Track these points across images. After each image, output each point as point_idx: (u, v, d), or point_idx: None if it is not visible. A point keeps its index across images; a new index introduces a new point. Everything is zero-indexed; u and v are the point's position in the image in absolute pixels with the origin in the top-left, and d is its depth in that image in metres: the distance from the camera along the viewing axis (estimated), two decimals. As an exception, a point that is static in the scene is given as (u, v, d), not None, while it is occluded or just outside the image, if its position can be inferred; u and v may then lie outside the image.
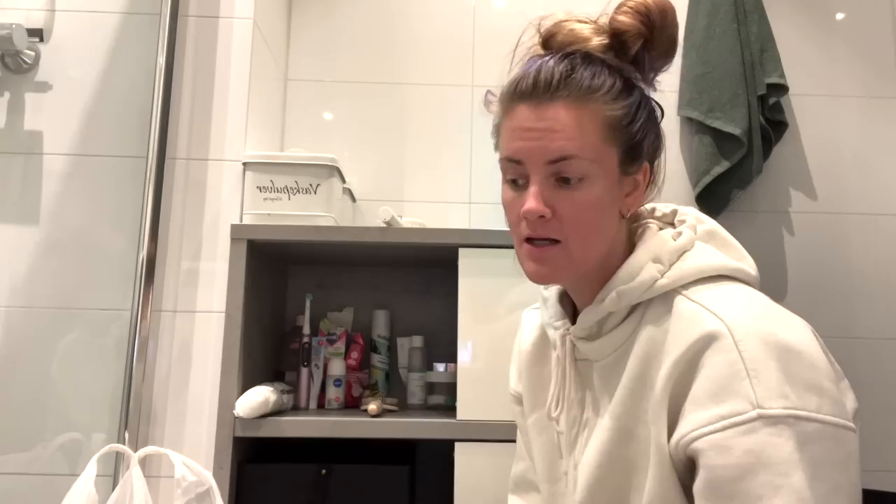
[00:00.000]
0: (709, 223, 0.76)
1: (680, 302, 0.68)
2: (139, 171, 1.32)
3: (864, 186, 1.80)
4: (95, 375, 1.32)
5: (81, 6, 1.43)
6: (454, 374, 1.37)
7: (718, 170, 1.67)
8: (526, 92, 0.70)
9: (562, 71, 0.69)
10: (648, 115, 0.74)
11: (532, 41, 0.76)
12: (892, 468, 1.65)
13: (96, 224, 1.37)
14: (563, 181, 0.69)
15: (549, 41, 0.75)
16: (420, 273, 1.67)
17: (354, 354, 1.58)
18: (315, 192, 1.38)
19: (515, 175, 0.72)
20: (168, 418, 1.30)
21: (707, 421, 0.60)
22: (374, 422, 1.30)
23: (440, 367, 1.50)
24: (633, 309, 0.72)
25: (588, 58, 0.71)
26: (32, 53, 1.41)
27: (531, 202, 0.69)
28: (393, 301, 1.67)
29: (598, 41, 0.72)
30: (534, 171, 0.70)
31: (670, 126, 1.80)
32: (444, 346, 1.53)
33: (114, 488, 1.18)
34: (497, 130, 0.76)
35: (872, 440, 1.67)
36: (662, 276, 0.70)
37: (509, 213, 0.74)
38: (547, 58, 0.72)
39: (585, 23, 0.74)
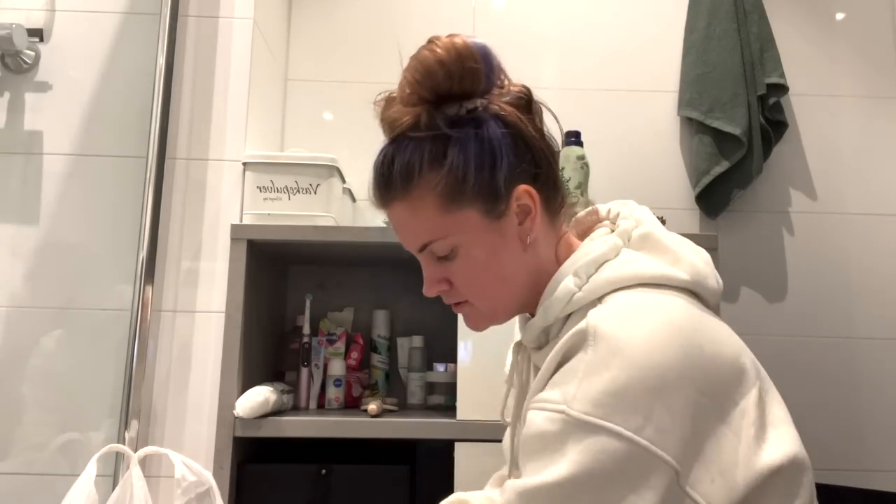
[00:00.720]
0: (646, 226, 0.73)
1: (592, 312, 0.66)
2: (139, 171, 1.32)
3: (864, 186, 1.80)
4: (95, 375, 1.32)
5: (81, 6, 1.43)
6: (454, 374, 1.37)
7: (718, 170, 1.67)
8: (374, 201, 0.76)
9: (383, 174, 0.72)
10: (488, 150, 0.69)
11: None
12: (892, 468, 1.65)
13: (96, 224, 1.37)
14: (441, 259, 0.73)
15: (381, 125, 0.77)
16: (420, 273, 1.66)
17: (354, 354, 1.58)
18: (315, 192, 1.38)
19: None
20: (168, 418, 1.30)
21: (549, 399, 0.62)
22: (374, 422, 1.30)
23: (440, 367, 1.50)
24: (569, 318, 0.71)
25: (403, 140, 0.71)
26: (32, 53, 1.41)
27: (425, 286, 0.76)
28: (393, 301, 1.67)
29: (406, 121, 0.72)
30: (417, 256, 0.76)
31: (670, 126, 1.80)
32: (444, 346, 1.53)
33: (114, 488, 1.18)
34: None
35: (872, 440, 1.67)
36: (580, 289, 0.69)
37: None
38: (379, 156, 0.74)
39: (394, 104, 0.75)
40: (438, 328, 1.57)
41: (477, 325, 0.78)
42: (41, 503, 1.27)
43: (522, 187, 0.71)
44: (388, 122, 0.74)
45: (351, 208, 1.67)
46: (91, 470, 1.14)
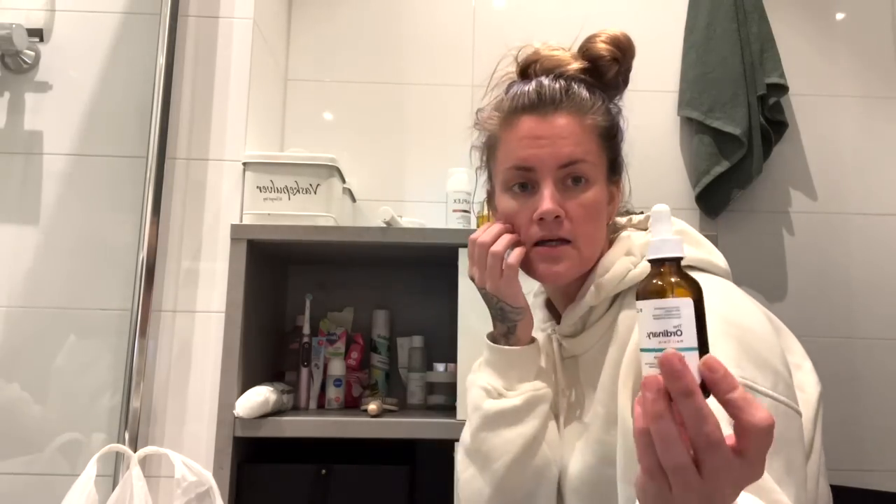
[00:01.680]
0: (679, 224, 0.81)
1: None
2: (139, 171, 1.32)
3: (864, 186, 1.80)
4: (95, 375, 1.32)
5: (81, 6, 1.43)
6: (454, 374, 1.37)
7: (718, 170, 1.67)
8: (530, 105, 0.76)
9: (561, 87, 0.76)
10: (622, 130, 0.81)
11: (506, 70, 0.82)
12: (892, 468, 1.65)
13: (96, 224, 1.37)
14: (571, 183, 0.75)
15: (528, 69, 0.80)
16: (420, 273, 1.67)
17: (354, 354, 1.58)
18: (315, 192, 1.38)
19: (524, 180, 0.76)
20: (168, 418, 1.30)
21: None
22: (374, 422, 1.30)
23: (440, 367, 1.50)
24: (613, 301, 0.77)
25: (577, 79, 0.78)
26: (32, 53, 1.41)
27: (548, 203, 0.73)
28: (393, 301, 1.67)
29: (577, 65, 0.78)
30: (545, 175, 0.74)
31: (670, 126, 1.80)
32: (444, 346, 1.53)
33: (114, 488, 1.18)
34: (492, 144, 0.80)
35: (873, 440, 1.67)
36: (635, 266, 0.75)
37: (516, 218, 0.77)
38: (539, 79, 0.77)
39: (561, 49, 0.80)
40: (438, 328, 1.57)
41: (568, 269, 0.75)
42: (41, 503, 1.27)
43: (619, 178, 0.81)
44: (555, 60, 0.79)
45: (351, 208, 1.67)
46: (91, 470, 1.14)
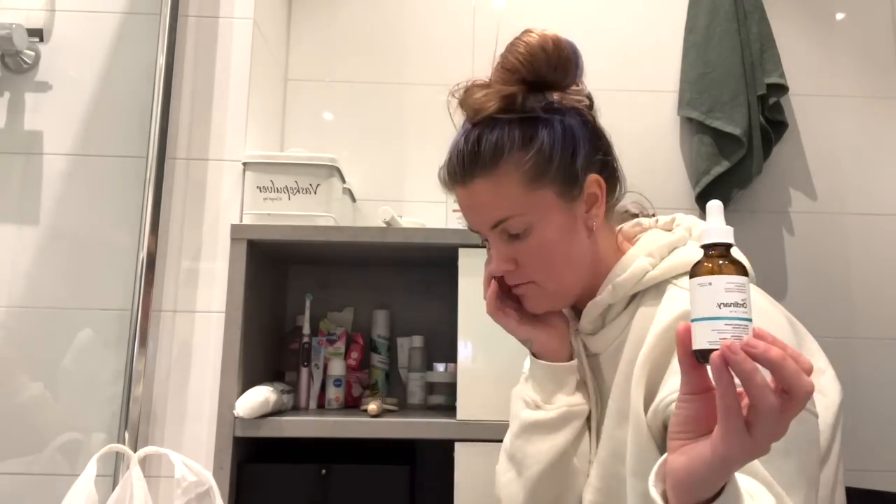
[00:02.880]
0: (703, 226, 0.80)
1: (670, 289, 0.74)
2: (139, 171, 1.32)
3: (864, 186, 1.80)
4: (95, 375, 1.32)
5: (81, 6, 1.43)
6: (454, 374, 1.37)
7: (718, 170, 1.67)
8: (452, 177, 0.79)
9: (470, 149, 0.76)
10: (569, 137, 0.76)
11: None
12: (892, 468, 1.65)
13: (96, 224, 1.37)
14: (512, 237, 0.76)
15: (464, 111, 0.80)
16: (420, 273, 1.67)
17: (354, 354, 1.58)
18: (315, 192, 1.38)
19: (481, 239, 0.81)
20: (168, 418, 1.30)
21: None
22: (374, 422, 1.30)
23: (440, 367, 1.50)
24: (632, 300, 0.78)
25: (491, 122, 0.76)
26: (32, 53, 1.41)
27: (493, 265, 0.78)
28: (393, 301, 1.67)
29: (492, 106, 0.76)
30: (487, 235, 0.78)
31: (670, 126, 1.80)
32: (444, 346, 1.53)
33: (114, 488, 1.18)
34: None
35: (872, 440, 1.67)
36: (654, 268, 0.75)
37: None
38: (460, 135, 0.78)
39: (484, 88, 0.78)
40: (438, 328, 1.57)
41: (539, 305, 0.80)
42: (41, 503, 1.27)
43: (593, 176, 0.77)
44: (472, 106, 0.77)
45: (351, 208, 1.67)
46: (91, 470, 1.14)
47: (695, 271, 0.52)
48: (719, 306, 0.49)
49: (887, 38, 1.86)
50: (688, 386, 0.51)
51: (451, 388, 1.41)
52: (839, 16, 1.87)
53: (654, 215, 0.87)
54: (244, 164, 1.39)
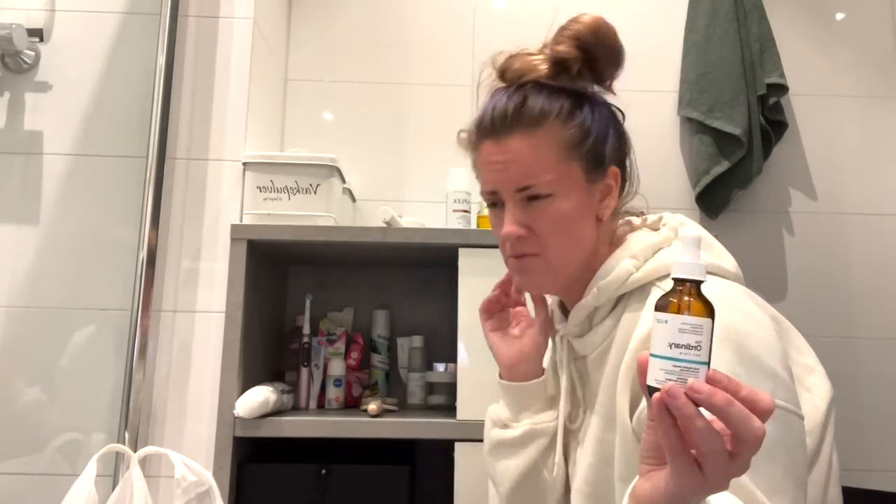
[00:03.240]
0: (690, 226, 0.81)
1: (654, 292, 0.73)
2: (139, 171, 1.32)
3: (864, 186, 1.80)
4: (95, 375, 1.32)
5: (81, 6, 1.43)
6: (454, 374, 1.37)
7: (718, 170, 1.67)
8: (486, 129, 0.77)
9: (514, 105, 0.75)
10: (605, 123, 0.78)
11: (492, 77, 0.82)
12: (892, 468, 1.65)
13: (96, 224, 1.37)
14: (532, 200, 0.75)
15: (504, 75, 0.80)
16: (420, 273, 1.67)
17: (354, 354, 1.58)
18: (315, 192, 1.38)
19: (493, 200, 0.79)
20: (168, 418, 1.30)
21: None
22: (374, 422, 1.30)
23: (440, 367, 1.50)
24: (618, 302, 0.77)
25: (538, 86, 0.77)
26: (32, 53, 1.41)
27: (507, 226, 0.76)
28: (393, 301, 1.67)
29: (544, 69, 0.77)
30: (507, 197, 0.77)
31: (670, 126, 1.80)
32: (444, 346, 1.53)
33: (114, 488, 1.18)
34: (474, 165, 0.83)
35: (872, 440, 1.67)
36: (637, 270, 0.75)
37: (496, 232, 0.80)
38: (501, 94, 0.78)
39: (533, 54, 0.79)
40: (438, 328, 1.58)
41: (538, 279, 0.79)
42: (41, 503, 1.27)
43: (614, 168, 0.79)
44: (521, 68, 0.78)
45: (351, 208, 1.67)
46: (91, 470, 1.14)
47: (659, 305, 0.51)
48: (670, 346, 0.49)
49: (887, 38, 1.86)
50: (651, 412, 0.50)
51: (451, 388, 1.41)
52: (839, 16, 1.87)
53: (642, 213, 0.86)
54: (244, 164, 1.39)
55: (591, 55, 0.78)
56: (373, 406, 1.34)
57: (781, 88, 1.72)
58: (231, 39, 1.42)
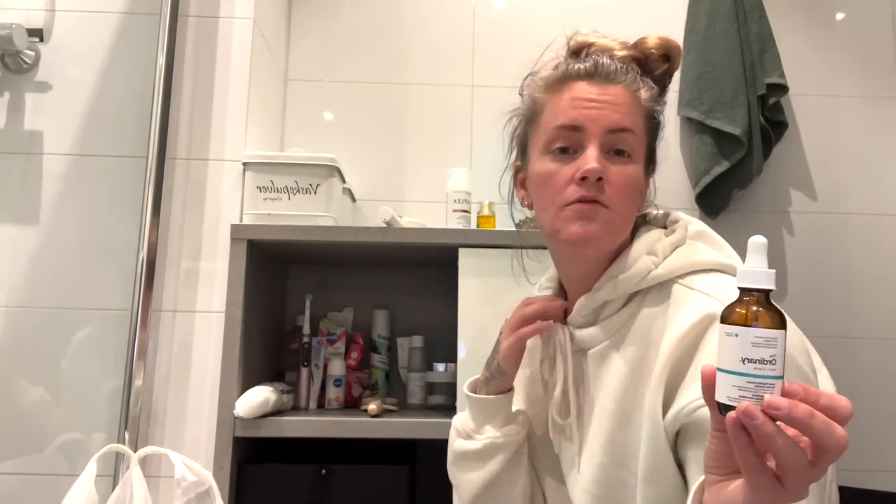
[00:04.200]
0: (698, 225, 0.81)
1: (677, 290, 0.72)
2: (139, 171, 1.32)
3: (864, 186, 1.80)
4: (95, 375, 1.32)
5: (81, 6, 1.43)
6: (454, 374, 1.37)
7: (718, 170, 1.67)
8: (587, 72, 0.76)
9: (618, 65, 0.77)
10: (661, 119, 0.81)
11: (557, 54, 0.82)
12: (892, 468, 1.65)
13: (96, 224, 1.37)
14: (615, 153, 0.75)
15: (581, 52, 0.80)
16: (420, 273, 1.67)
17: (354, 354, 1.58)
18: (315, 192, 1.38)
19: (568, 143, 0.76)
20: (168, 418, 1.30)
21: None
22: (374, 422, 1.30)
23: (440, 367, 1.50)
24: (630, 298, 0.76)
25: (627, 65, 0.78)
26: (32, 53, 1.41)
27: (593, 162, 0.73)
28: (393, 301, 1.67)
29: (627, 53, 0.78)
30: (592, 138, 0.74)
31: (670, 126, 1.80)
32: (444, 346, 1.53)
33: (114, 488, 1.18)
34: (535, 109, 0.80)
35: (872, 440, 1.67)
36: (657, 267, 0.74)
37: (553, 179, 0.76)
38: (598, 56, 0.78)
39: (613, 38, 0.81)
40: (438, 328, 1.57)
41: (600, 231, 0.74)
42: (41, 503, 1.27)
43: (653, 169, 0.83)
44: (607, 46, 0.79)
45: (351, 208, 1.67)
46: (91, 470, 1.14)
47: (724, 316, 0.48)
48: (743, 361, 0.46)
49: (887, 38, 1.86)
50: (715, 423, 0.49)
51: (451, 388, 1.42)
52: (839, 16, 1.87)
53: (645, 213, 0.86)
54: (244, 164, 1.39)
55: (669, 65, 0.81)
56: (373, 406, 1.34)
57: (781, 88, 1.72)
58: (231, 39, 1.42)
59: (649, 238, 0.78)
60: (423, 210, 1.69)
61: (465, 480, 0.86)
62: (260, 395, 1.27)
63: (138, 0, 1.43)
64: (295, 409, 1.45)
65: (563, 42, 0.82)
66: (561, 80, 0.77)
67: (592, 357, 0.78)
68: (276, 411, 1.34)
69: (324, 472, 1.29)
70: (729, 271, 0.75)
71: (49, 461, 1.29)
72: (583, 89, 0.75)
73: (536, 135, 0.79)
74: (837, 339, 1.72)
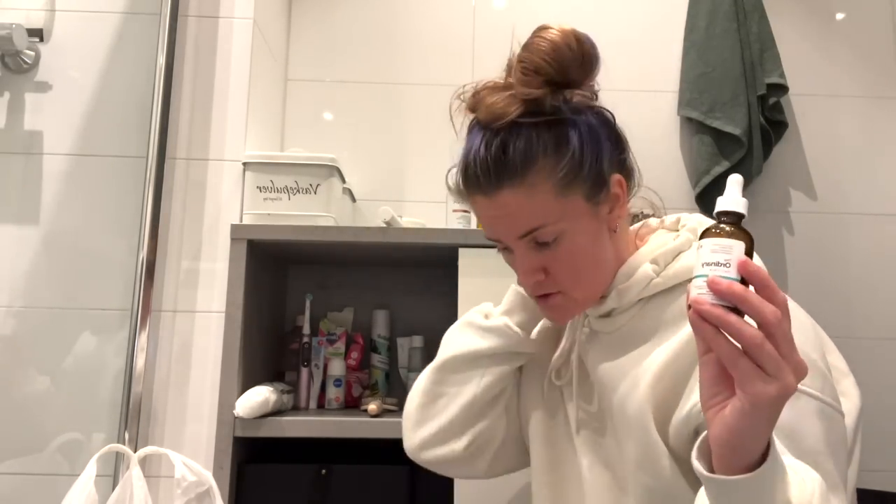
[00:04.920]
0: (708, 222, 0.79)
1: (682, 294, 0.72)
2: (139, 171, 1.32)
3: (864, 186, 1.80)
4: (95, 375, 1.32)
5: (81, 6, 1.43)
6: (454, 374, 1.37)
7: (718, 170, 1.67)
8: (473, 184, 0.73)
9: (494, 158, 0.70)
10: (596, 137, 0.73)
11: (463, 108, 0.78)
12: (892, 468, 1.65)
13: (96, 224, 1.37)
14: (541, 245, 0.73)
15: (476, 113, 0.75)
16: (420, 273, 1.67)
17: (354, 354, 1.58)
18: (315, 192, 1.38)
19: (501, 246, 0.76)
20: (168, 418, 1.30)
21: None
22: (374, 422, 1.30)
23: (440, 367, 1.50)
24: (636, 302, 0.77)
25: (515, 127, 0.71)
26: (32, 53, 1.41)
27: (522, 275, 0.74)
28: (393, 301, 1.67)
29: (516, 111, 0.71)
30: (512, 244, 0.74)
31: (670, 126, 1.80)
32: (444, 346, 1.52)
33: (114, 488, 1.18)
34: (472, 209, 0.79)
35: (872, 440, 1.67)
36: (657, 275, 0.74)
37: (513, 269, 0.77)
38: (479, 138, 0.72)
39: (500, 90, 0.73)
40: (438, 328, 1.57)
41: (565, 316, 0.79)
42: (41, 503, 1.27)
43: (616, 176, 0.75)
44: (491, 111, 0.72)
45: (351, 208, 1.67)
46: (91, 470, 1.14)
47: (700, 234, 0.55)
48: (703, 265, 0.52)
49: (887, 38, 1.86)
50: (700, 345, 0.52)
51: (451, 388, 1.41)
52: (839, 16, 1.87)
53: (653, 215, 0.86)
54: (244, 164, 1.39)
55: (562, 80, 0.72)
56: (373, 406, 1.34)
57: (781, 88, 1.72)
58: (231, 39, 1.42)
59: (654, 244, 0.78)
60: (423, 210, 1.69)
61: (453, 341, 0.88)
62: (260, 395, 1.27)
63: (138, 0, 1.43)
64: (295, 409, 1.45)
65: (459, 98, 0.77)
66: (464, 194, 0.76)
67: (602, 340, 0.79)
68: (276, 411, 1.34)
69: (324, 472, 1.29)
70: None
71: (49, 461, 1.29)
72: (481, 206, 0.74)
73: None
74: (837, 339, 1.69)
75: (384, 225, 1.37)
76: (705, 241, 0.53)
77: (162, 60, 1.34)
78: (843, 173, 1.80)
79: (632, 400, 0.71)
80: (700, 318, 0.50)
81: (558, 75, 0.71)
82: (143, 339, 1.27)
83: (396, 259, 1.58)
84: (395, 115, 1.78)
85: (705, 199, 1.72)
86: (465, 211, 1.56)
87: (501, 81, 0.74)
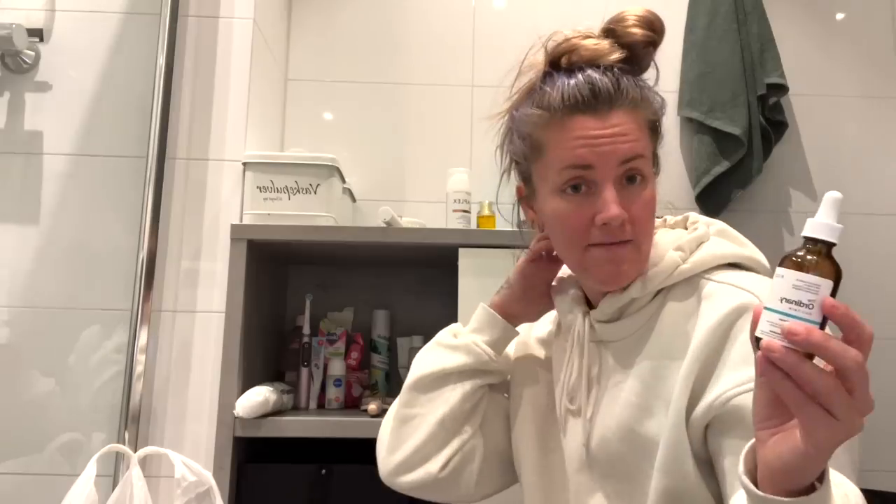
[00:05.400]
0: (719, 224, 0.82)
1: (705, 284, 0.73)
2: (139, 171, 1.32)
3: (864, 186, 1.80)
4: (95, 375, 1.32)
5: (81, 6, 1.43)
6: (454, 374, 1.37)
7: (718, 170, 1.67)
8: (585, 104, 0.71)
9: (612, 82, 0.72)
10: (660, 131, 0.80)
11: (534, 58, 0.78)
12: (892, 468, 1.65)
13: (96, 224, 1.37)
14: (628, 183, 0.72)
15: (561, 59, 0.75)
16: (420, 273, 1.67)
17: (354, 354, 1.58)
18: (315, 192, 1.38)
19: (579, 181, 0.72)
20: (168, 418, 1.30)
21: (748, 379, 0.62)
22: (374, 422, 1.30)
23: (440, 367, 1.50)
24: (656, 294, 0.76)
25: (618, 70, 0.74)
26: (32, 53, 1.41)
27: (613, 208, 0.70)
28: (393, 301, 1.67)
29: (616, 56, 0.74)
30: (605, 176, 0.71)
31: (670, 126, 1.80)
32: (444, 346, 1.52)
33: (114, 488, 1.18)
34: (536, 146, 0.75)
35: (872, 440, 1.67)
36: (684, 262, 0.74)
37: (571, 221, 0.73)
38: (589, 72, 0.73)
39: (595, 38, 0.75)
40: (438, 328, 1.57)
41: (631, 268, 0.74)
42: (41, 503, 1.27)
43: (658, 167, 0.81)
44: (596, 51, 0.74)
45: (351, 208, 1.67)
46: (91, 470, 1.14)
47: (781, 259, 0.51)
48: (781, 300, 0.48)
49: (887, 38, 1.86)
50: (759, 368, 0.49)
51: (451, 388, 1.41)
52: (839, 16, 1.87)
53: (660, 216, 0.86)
54: (244, 164, 1.39)
55: (655, 42, 0.78)
56: (373, 406, 1.34)
57: (781, 88, 1.72)
58: (231, 39, 1.42)
59: (674, 234, 0.78)
60: (423, 210, 1.69)
61: (422, 361, 0.89)
62: (260, 395, 1.27)
63: (138, 0, 1.43)
64: (295, 409, 1.45)
65: (541, 47, 0.77)
66: (559, 116, 0.72)
67: (613, 350, 0.77)
68: (276, 411, 1.34)
69: (324, 471, 1.29)
70: (754, 266, 0.77)
71: (49, 461, 1.29)
72: (586, 125, 0.71)
73: (542, 172, 0.76)
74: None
75: (384, 225, 1.37)
76: (787, 272, 0.48)
77: (162, 60, 1.34)
78: (843, 173, 1.81)
79: (657, 400, 0.70)
80: (769, 363, 0.47)
81: (658, 35, 0.78)
82: (143, 339, 1.27)
83: (396, 259, 1.59)
84: (395, 115, 1.78)
85: (705, 198, 1.72)
86: (465, 211, 1.56)
87: (596, 33, 0.77)
